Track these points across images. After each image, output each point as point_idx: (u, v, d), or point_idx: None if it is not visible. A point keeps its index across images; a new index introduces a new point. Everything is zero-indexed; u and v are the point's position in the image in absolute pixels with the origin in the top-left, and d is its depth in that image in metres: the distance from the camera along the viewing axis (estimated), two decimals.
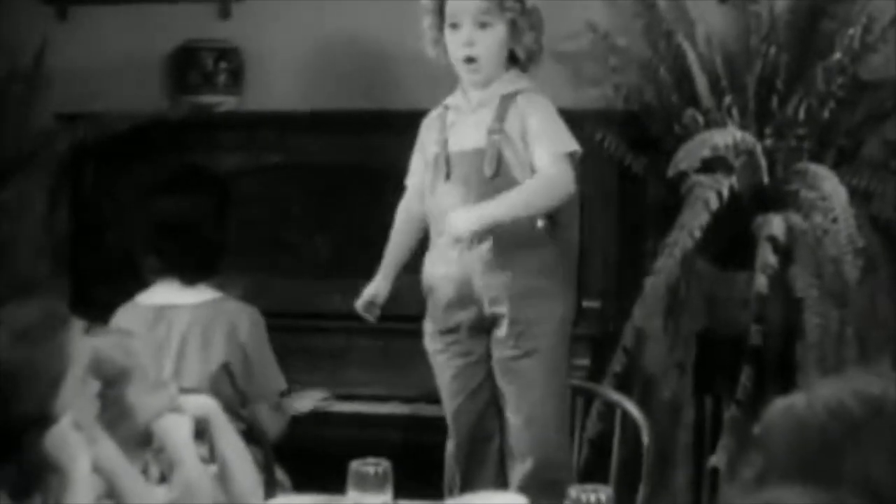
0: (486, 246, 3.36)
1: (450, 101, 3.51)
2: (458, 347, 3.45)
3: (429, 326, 3.50)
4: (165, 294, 3.60)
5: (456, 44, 3.42)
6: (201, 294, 3.59)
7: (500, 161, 3.36)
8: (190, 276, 3.59)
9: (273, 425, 3.63)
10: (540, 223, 3.39)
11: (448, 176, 3.42)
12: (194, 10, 4.71)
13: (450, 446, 3.50)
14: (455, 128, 3.46)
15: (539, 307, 3.38)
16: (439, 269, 3.44)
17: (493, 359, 3.42)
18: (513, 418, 3.41)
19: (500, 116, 3.39)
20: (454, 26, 3.42)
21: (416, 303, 3.52)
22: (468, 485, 3.42)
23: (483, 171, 3.37)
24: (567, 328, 3.46)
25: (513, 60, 3.46)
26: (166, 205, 3.65)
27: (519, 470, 3.40)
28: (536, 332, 3.38)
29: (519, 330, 3.37)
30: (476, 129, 3.42)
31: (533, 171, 3.37)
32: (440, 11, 3.45)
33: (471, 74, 3.43)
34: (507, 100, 3.41)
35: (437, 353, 3.49)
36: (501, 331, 3.39)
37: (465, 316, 3.42)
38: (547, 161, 3.34)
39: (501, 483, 3.41)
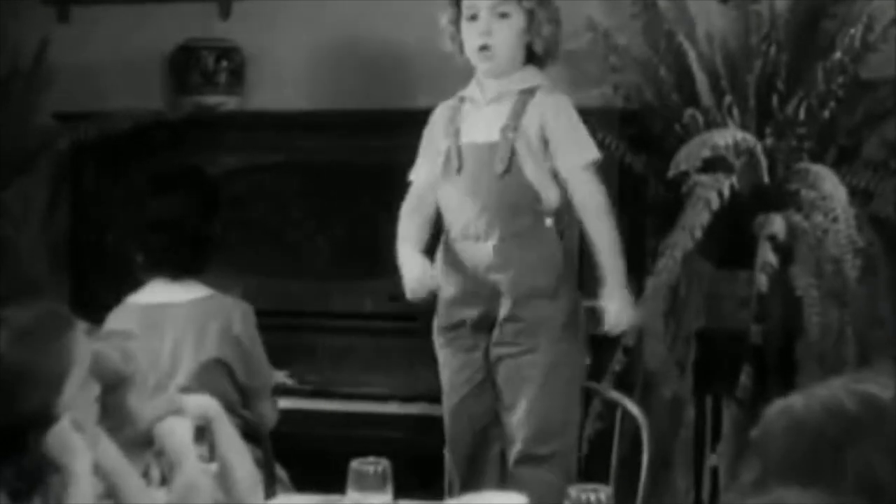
0: (492, 242, 3.36)
1: (465, 92, 3.51)
2: (461, 343, 3.45)
3: (436, 321, 3.51)
4: (157, 293, 3.59)
5: (473, 34, 3.42)
6: (193, 291, 3.59)
7: (511, 158, 3.36)
8: (176, 272, 3.59)
9: (272, 417, 3.66)
10: (549, 221, 3.40)
11: (459, 169, 3.42)
12: (194, 9, 4.71)
13: (446, 451, 3.48)
14: (469, 120, 3.45)
15: (542, 306, 3.38)
16: (447, 266, 3.44)
17: (492, 356, 3.42)
18: (508, 416, 3.41)
19: (517, 112, 3.39)
20: (473, 17, 3.43)
21: (417, 302, 3.51)
22: (468, 490, 3.38)
23: (494, 166, 3.37)
24: (574, 327, 3.43)
25: (530, 59, 3.47)
26: (151, 203, 3.64)
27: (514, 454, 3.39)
28: (537, 330, 3.37)
29: (519, 328, 3.37)
30: (490, 123, 3.41)
31: (552, 172, 3.38)
32: (457, 4, 3.45)
33: (484, 62, 3.42)
34: (525, 95, 3.41)
35: (441, 347, 3.50)
36: (502, 328, 3.39)
37: (469, 312, 3.42)
38: (580, 178, 3.37)
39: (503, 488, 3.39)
